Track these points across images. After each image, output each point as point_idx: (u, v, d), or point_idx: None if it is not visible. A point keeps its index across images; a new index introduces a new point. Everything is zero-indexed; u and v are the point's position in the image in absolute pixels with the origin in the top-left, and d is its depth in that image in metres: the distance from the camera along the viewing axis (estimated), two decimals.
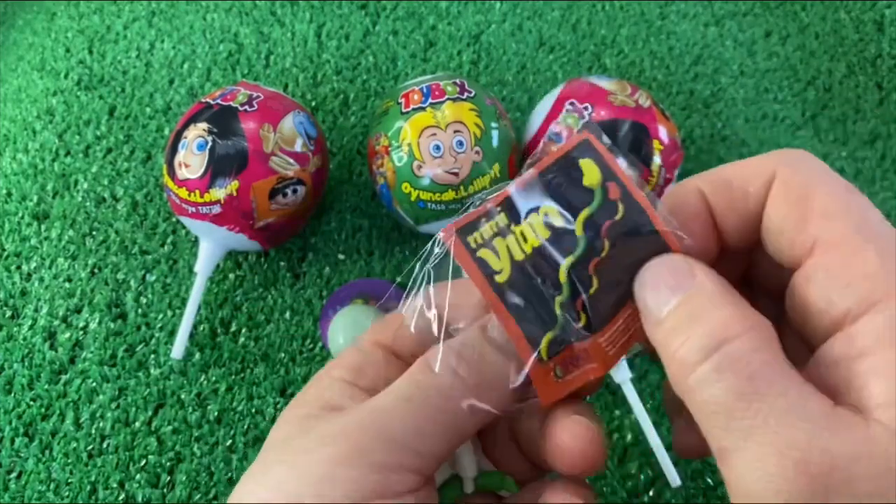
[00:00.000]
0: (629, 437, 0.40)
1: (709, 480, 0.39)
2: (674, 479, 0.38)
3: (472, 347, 0.20)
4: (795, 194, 0.18)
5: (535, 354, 0.20)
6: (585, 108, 0.43)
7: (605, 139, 0.20)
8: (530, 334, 0.20)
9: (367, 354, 0.22)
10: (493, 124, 0.42)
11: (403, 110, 0.42)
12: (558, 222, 0.20)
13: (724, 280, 0.18)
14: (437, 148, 0.41)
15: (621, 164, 0.20)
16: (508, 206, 0.21)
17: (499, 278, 0.20)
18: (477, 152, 0.41)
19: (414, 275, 0.21)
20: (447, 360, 0.20)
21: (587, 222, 0.19)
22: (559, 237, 0.20)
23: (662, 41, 0.59)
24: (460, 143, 0.41)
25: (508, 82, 0.56)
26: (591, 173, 0.20)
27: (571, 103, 0.44)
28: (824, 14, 0.61)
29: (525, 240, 0.20)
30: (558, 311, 0.20)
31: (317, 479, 0.18)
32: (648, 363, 0.43)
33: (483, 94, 0.43)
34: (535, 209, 0.20)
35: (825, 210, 0.18)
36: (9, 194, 0.49)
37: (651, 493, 0.39)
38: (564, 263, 0.19)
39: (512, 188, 0.21)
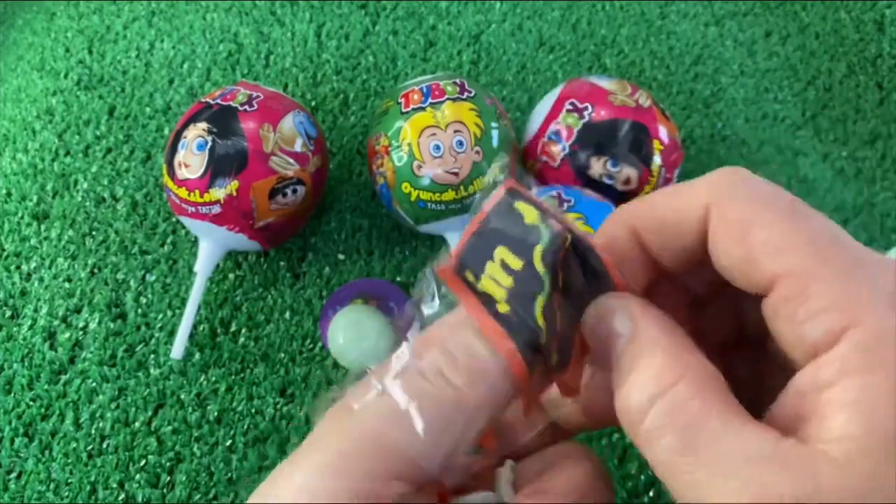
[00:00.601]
0: (629, 437, 0.40)
1: None
2: None
3: (464, 348, 0.19)
4: (736, 233, 0.17)
5: (529, 384, 0.20)
6: (585, 108, 0.43)
7: (506, 178, 0.21)
8: (527, 363, 0.19)
9: None
10: (493, 124, 0.42)
11: (403, 110, 0.42)
12: (516, 265, 0.19)
13: (663, 319, 0.18)
14: (437, 148, 0.41)
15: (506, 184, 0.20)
16: (465, 261, 0.20)
17: (501, 308, 0.19)
18: (477, 152, 0.41)
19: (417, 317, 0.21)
20: (438, 366, 0.19)
21: (544, 256, 0.19)
22: (523, 280, 0.19)
23: (662, 41, 0.59)
24: (460, 143, 0.41)
25: (508, 82, 0.56)
26: (529, 213, 0.19)
27: (571, 103, 0.44)
28: (825, 14, 0.61)
29: (496, 287, 0.20)
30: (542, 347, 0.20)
31: (317, 477, 0.18)
32: None
33: (483, 93, 0.43)
34: (490, 257, 0.20)
35: (772, 245, 0.17)
36: (8, 194, 0.49)
37: (651, 494, 0.39)
38: (538, 304, 0.19)
39: (458, 249, 0.20)
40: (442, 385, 0.18)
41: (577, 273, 0.19)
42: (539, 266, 0.19)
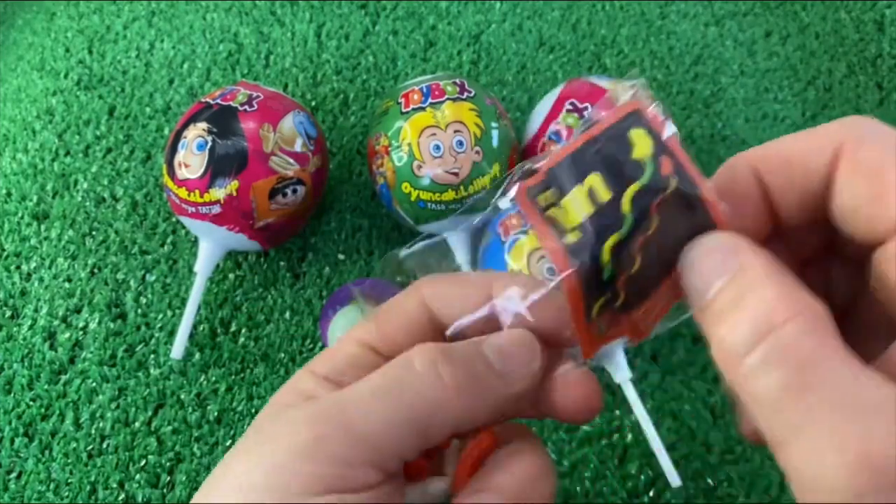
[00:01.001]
0: (629, 437, 0.40)
1: (709, 481, 0.39)
2: (674, 479, 0.38)
3: (465, 356, 0.20)
4: (867, 171, 0.17)
5: (585, 317, 0.19)
6: (585, 108, 0.43)
7: (655, 105, 0.19)
8: (587, 299, 0.19)
9: (349, 353, 0.21)
10: (493, 124, 0.42)
11: (403, 110, 0.42)
12: (604, 197, 0.18)
13: (774, 259, 0.17)
14: (437, 148, 0.41)
15: (669, 129, 0.19)
16: (553, 178, 0.19)
17: (571, 238, 0.19)
18: (477, 152, 0.41)
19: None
20: (433, 358, 0.19)
21: (635, 197, 0.18)
22: (604, 212, 0.18)
23: (662, 41, 0.59)
24: (460, 143, 0.41)
25: (508, 82, 0.56)
26: (642, 144, 0.18)
27: (571, 103, 0.44)
28: (824, 14, 0.61)
29: (573, 212, 0.19)
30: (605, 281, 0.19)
31: (277, 470, 0.18)
32: (648, 363, 0.43)
33: (483, 94, 0.43)
34: (581, 181, 0.19)
35: None
36: (8, 194, 0.49)
37: (651, 494, 0.39)
38: (609, 242, 0.18)
39: (552, 161, 0.19)
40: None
41: (680, 219, 0.18)
42: (626, 205, 0.18)
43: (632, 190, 0.18)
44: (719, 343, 0.17)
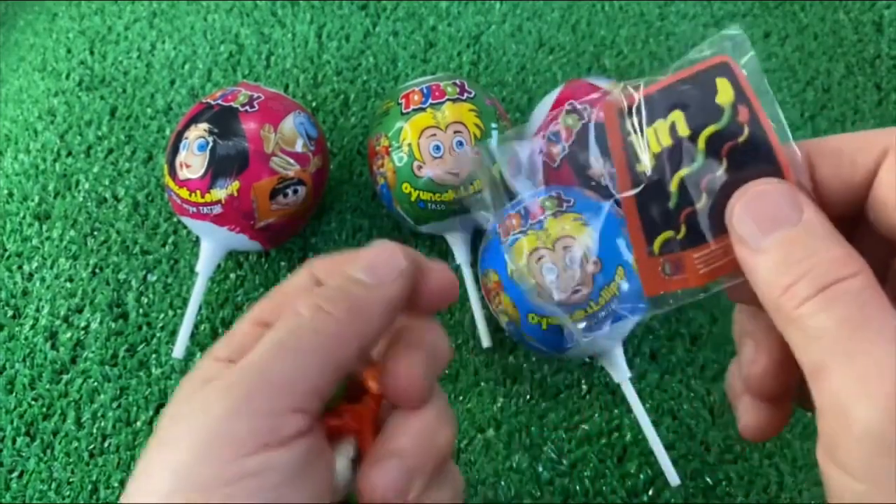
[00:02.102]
0: (629, 436, 0.41)
1: (708, 480, 0.40)
2: (673, 478, 0.38)
3: (339, 285, 0.21)
4: None
5: (647, 248, 0.20)
6: (585, 109, 0.44)
7: (749, 57, 0.20)
8: (648, 228, 0.20)
9: (245, 332, 0.22)
10: (493, 125, 0.42)
11: (404, 111, 0.42)
12: (683, 132, 0.20)
13: (827, 219, 0.18)
14: (438, 148, 0.41)
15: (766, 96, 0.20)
16: (644, 107, 0.20)
17: (639, 167, 0.20)
18: (477, 153, 0.41)
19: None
20: (314, 301, 0.21)
21: (711, 138, 0.19)
22: (680, 147, 0.20)
23: (662, 42, 0.59)
24: (460, 144, 0.41)
25: (508, 83, 0.56)
26: (725, 92, 0.20)
27: (571, 104, 0.44)
28: (823, 15, 0.61)
29: (653, 142, 0.20)
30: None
31: (205, 442, 0.18)
32: (648, 363, 0.43)
33: (483, 94, 0.44)
34: (665, 115, 0.20)
35: None
36: (10, 194, 0.49)
37: (650, 493, 0.39)
38: (679, 173, 0.19)
39: (646, 92, 0.20)
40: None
41: (749, 167, 0.19)
42: (701, 143, 0.19)
43: (709, 130, 0.19)
44: (784, 285, 0.18)
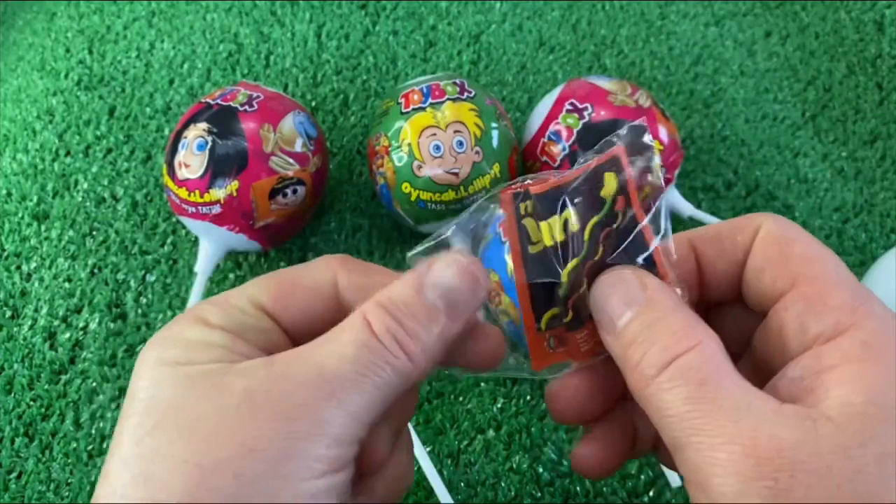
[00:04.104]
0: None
1: None
2: (674, 479, 0.38)
3: (415, 316, 0.20)
4: (779, 240, 0.21)
5: (535, 325, 0.22)
6: (585, 109, 0.43)
7: (645, 141, 0.22)
8: (536, 308, 0.22)
9: (244, 310, 0.20)
10: (493, 124, 0.42)
11: (403, 110, 0.42)
12: (574, 228, 0.21)
13: (674, 293, 0.20)
14: (437, 148, 0.41)
15: (650, 172, 0.22)
16: (538, 202, 0.22)
17: (532, 249, 0.22)
18: (477, 152, 0.41)
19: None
20: (390, 326, 0.19)
21: (593, 228, 0.21)
22: (571, 240, 0.21)
23: (662, 41, 0.59)
24: (460, 143, 0.41)
25: (508, 82, 0.56)
26: (609, 185, 0.21)
27: (571, 103, 0.44)
28: (824, 14, 0.61)
29: (547, 235, 0.22)
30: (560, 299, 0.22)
31: (279, 456, 0.17)
32: None
33: (483, 94, 0.43)
34: (560, 212, 0.22)
35: (804, 254, 0.20)
36: (9, 194, 0.49)
37: (651, 494, 0.39)
38: (569, 265, 0.21)
39: (539, 189, 0.22)
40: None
41: (622, 253, 0.21)
42: (587, 234, 0.21)
43: (592, 222, 0.21)
44: (633, 366, 0.19)
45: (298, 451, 0.17)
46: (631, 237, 0.21)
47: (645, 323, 0.20)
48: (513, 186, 0.22)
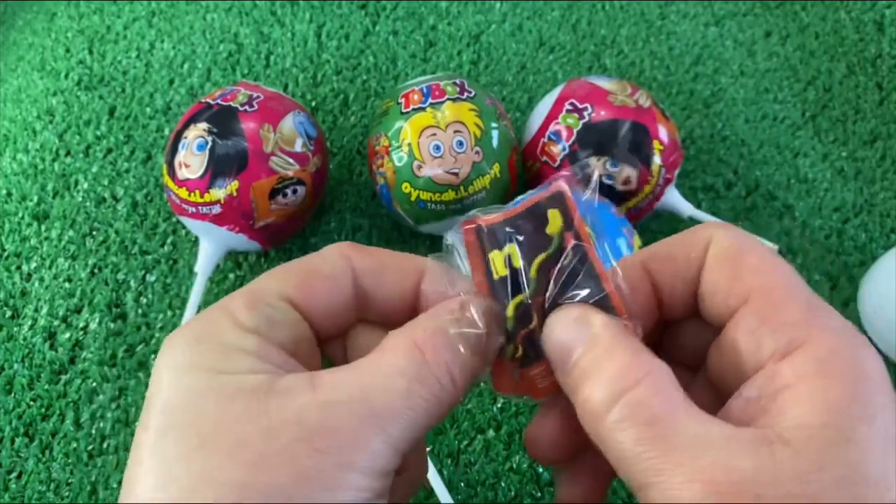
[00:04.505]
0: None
1: None
2: None
3: (464, 349, 0.20)
4: (730, 254, 0.21)
5: (502, 354, 0.22)
6: (585, 109, 0.43)
7: (589, 181, 0.23)
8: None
9: (274, 305, 0.20)
10: (493, 124, 0.42)
11: (403, 110, 0.42)
12: (517, 264, 0.21)
13: (622, 326, 0.20)
14: (437, 148, 0.41)
15: (584, 204, 0.22)
16: (481, 236, 0.22)
17: (496, 276, 0.22)
18: (477, 152, 0.41)
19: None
20: (446, 360, 0.19)
21: (541, 266, 0.21)
22: (516, 275, 0.21)
23: (662, 41, 0.59)
24: (460, 144, 0.41)
25: (508, 82, 0.56)
26: (554, 222, 0.22)
27: (571, 103, 0.44)
28: (824, 14, 0.61)
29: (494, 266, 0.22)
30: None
31: (326, 468, 0.17)
32: None
33: (483, 94, 0.43)
34: (501, 247, 0.22)
35: (756, 267, 0.20)
36: (9, 194, 0.49)
37: None
38: (514, 300, 0.21)
39: (484, 223, 0.22)
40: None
41: (575, 289, 0.21)
42: (533, 271, 0.21)
43: (539, 259, 0.21)
44: (583, 404, 0.19)
45: (347, 481, 0.17)
46: (581, 274, 0.21)
47: (592, 359, 0.19)
48: (470, 220, 0.23)
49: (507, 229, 0.22)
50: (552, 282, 0.21)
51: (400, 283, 0.22)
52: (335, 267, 0.21)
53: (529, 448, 0.23)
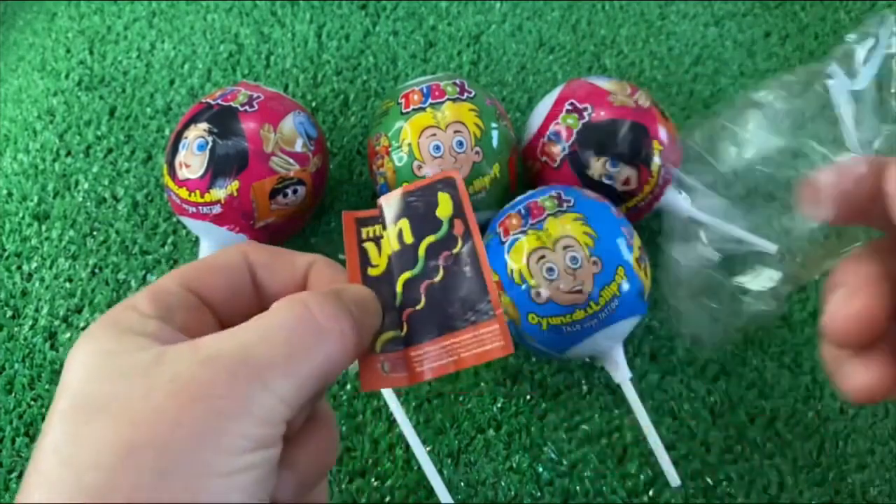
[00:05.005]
0: (629, 436, 0.41)
1: (708, 480, 0.40)
2: (673, 478, 0.38)
3: (355, 304, 0.21)
4: None
5: (370, 348, 0.22)
6: (585, 109, 0.43)
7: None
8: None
9: (172, 292, 0.21)
10: (493, 124, 0.42)
11: (403, 111, 0.42)
12: (408, 240, 0.22)
13: None
14: (437, 148, 0.41)
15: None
16: (382, 214, 0.23)
17: (371, 271, 0.23)
18: (477, 152, 0.41)
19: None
20: (334, 313, 0.20)
21: (429, 247, 0.22)
22: (405, 252, 0.22)
23: (662, 41, 0.59)
24: (460, 144, 0.41)
25: (508, 83, 0.56)
26: (445, 206, 0.23)
27: (571, 104, 0.44)
28: (824, 14, 0.61)
29: (386, 244, 0.23)
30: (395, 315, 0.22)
31: (206, 430, 0.17)
32: (648, 363, 0.43)
33: (483, 94, 0.43)
34: (394, 222, 0.23)
35: None
36: (9, 194, 0.49)
37: (650, 493, 0.39)
38: (404, 275, 0.22)
39: (383, 199, 0.23)
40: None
41: (461, 277, 0.22)
42: (421, 251, 0.22)
43: (428, 240, 0.22)
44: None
45: (224, 428, 0.17)
46: (472, 263, 0.22)
47: None
48: (361, 211, 0.24)
49: (402, 204, 0.23)
50: (442, 268, 0.22)
51: (291, 274, 0.23)
52: (230, 258, 0.23)
53: (830, 326, 0.23)
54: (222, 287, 0.22)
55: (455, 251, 0.22)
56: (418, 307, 0.22)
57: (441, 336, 0.22)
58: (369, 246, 0.23)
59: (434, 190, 0.23)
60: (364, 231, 0.23)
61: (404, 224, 0.23)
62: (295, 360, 0.19)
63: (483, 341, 0.21)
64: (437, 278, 0.22)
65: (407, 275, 0.22)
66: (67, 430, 0.18)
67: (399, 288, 0.22)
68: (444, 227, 0.22)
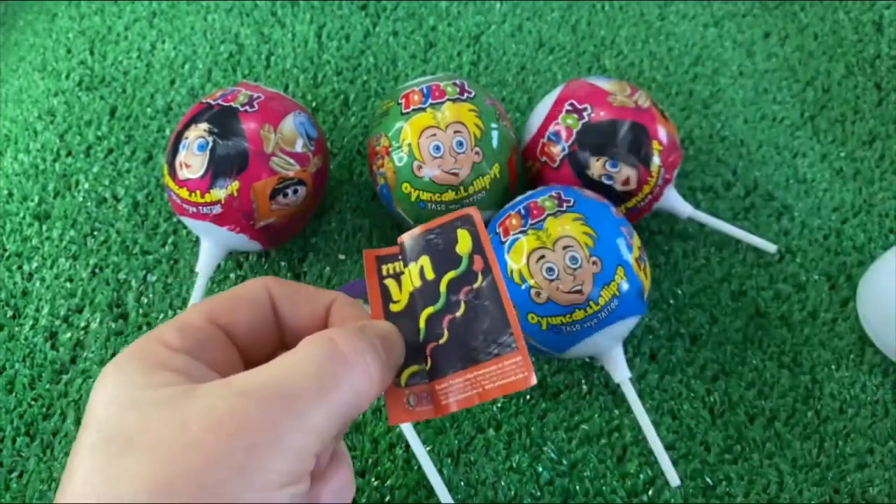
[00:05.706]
0: (628, 436, 0.41)
1: (708, 480, 0.40)
2: (673, 478, 0.38)
3: (378, 342, 0.21)
4: None
5: (395, 378, 0.22)
6: (585, 109, 0.44)
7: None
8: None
9: (200, 328, 0.21)
10: (493, 125, 0.42)
11: (403, 111, 0.42)
12: (429, 276, 0.23)
13: None
14: (437, 148, 0.41)
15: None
16: (402, 251, 0.24)
17: (393, 307, 0.23)
18: (477, 153, 0.41)
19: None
20: (361, 347, 0.20)
21: (450, 283, 0.23)
22: (427, 288, 0.23)
23: (662, 42, 0.59)
24: (460, 144, 0.41)
25: (508, 83, 0.56)
26: (464, 242, 0.23)
27: (571, 104, 0.44)
28: (823, 15, 0.61)
29: (407, 281, 0.24)
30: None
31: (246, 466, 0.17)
32: (648, 363, 0.43)
33: (483, 94, 0.44)
34: (416, 259, 0.23)
35: None
36: (10, 194, 0.49)
37: (650, 493, 0.39)
38: (427, 310, 0.23)
39: (405, 237, 0.24)
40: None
41: (481, 312, 0.22)
42: (443, 287, 0.23)
43: (449, 275, 0.23)
44: None
45: (259, 463, 0.17)
46: (493, 298, 0.22)
47: None
48: (381, 249, 0.25)
49: (422, 242, 0.23)
50: (463, 302, 0.22)
51: (312, 310, 0.23)
52: (254, 292, 0.23)
53: None
54: (246, 321, 0.22)
55: (476, 286, 0.23)
56: (441, 341, 0.22)
57: (465, 369, 0.22)
58: (390, 283, 0.24)
59: (453, 227, 0.23)
60: (384, 268, 0.24)
61: (425, 261, 0.23)
62: (325, 391, 0.19)
63: (507, 373, 0.22)
64: (459, 313, 0.22)
65: (430, 310, 0.23)
66: (99, 462, 0.17)
67: (422, 323, 0.23)
68: (464, 263, 0.23)
